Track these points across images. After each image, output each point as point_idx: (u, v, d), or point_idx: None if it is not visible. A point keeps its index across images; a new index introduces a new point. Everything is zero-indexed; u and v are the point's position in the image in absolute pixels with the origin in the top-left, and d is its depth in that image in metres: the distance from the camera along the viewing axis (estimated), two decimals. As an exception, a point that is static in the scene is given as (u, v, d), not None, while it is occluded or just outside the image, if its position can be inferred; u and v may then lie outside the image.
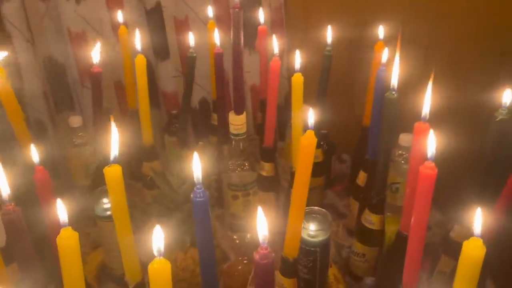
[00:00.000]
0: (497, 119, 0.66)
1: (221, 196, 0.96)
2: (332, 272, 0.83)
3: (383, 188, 0.79)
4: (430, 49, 1.18)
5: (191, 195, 0.49)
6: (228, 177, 0.89)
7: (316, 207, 0.76)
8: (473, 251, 0.43)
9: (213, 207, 1.04)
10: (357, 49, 1.06)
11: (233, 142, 0.87)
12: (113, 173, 0.54)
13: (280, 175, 1.02)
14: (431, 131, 0.55)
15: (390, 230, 0.79)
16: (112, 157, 0.53)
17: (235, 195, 0.90)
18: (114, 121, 0.53)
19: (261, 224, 0.43)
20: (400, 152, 0.96)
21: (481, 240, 0.43)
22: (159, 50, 1.21)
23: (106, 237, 0.80)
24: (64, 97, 1.22)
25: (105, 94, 1.02)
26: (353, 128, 1.04)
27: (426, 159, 0.55)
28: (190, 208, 0.66)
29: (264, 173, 0.92)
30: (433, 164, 0.55)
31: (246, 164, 0.88)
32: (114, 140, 0.51)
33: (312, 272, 0.75)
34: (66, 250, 0.45)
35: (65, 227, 0.45)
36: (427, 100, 0.63)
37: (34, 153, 0.61)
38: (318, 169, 0.99)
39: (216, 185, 1.00)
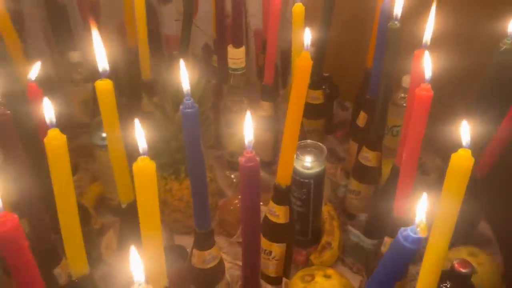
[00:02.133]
0: (501, 49, 0.64)
1: (220, 136, 0.96)
2: (327, 209, 0.83)
3: (382, 125, 0.78)
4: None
5: (180, 108, 0.49)
6: (226, 113, 0.88)
7: (311, 141, 0.76)
8: (462, 161, 0.42)
9: (212, 147, 1.04)
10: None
11: (232, 78, 0.85)
12: (104, 87, 0.54)
13: (281, 119, 1.01)
14: (427, 53, 0.53)
15: (387, 172, 0.79)
16: (101, 69, 0.52)
17: (233, 133, 0.89)
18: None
19: (247, 129, 0.42)
20: (402, 95, 0.95)
21: (469, 151, 0.42)
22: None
23: (103, 166, 0.81)
24: (66, 37, 1.21)
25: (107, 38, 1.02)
26: (358, 74, 1.02)
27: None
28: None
29: (262, 113, 0.91)
30: (429, 86, 0.53)
31: (245, 101, 0.87)
32: (100, 53, 0.50)
33: (306, 204, 0.76)
34: (53, 151, 0.45)
35: (53, 128, 0.45)
36: (429, 27, 0.61)
37: (34, 70, 0.61)
38: (318, 111, 0.98)
39: (216, 126, 1.00)
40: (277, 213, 0.67)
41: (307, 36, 0.57)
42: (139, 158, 0.41)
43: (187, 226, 0.81)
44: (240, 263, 0.76)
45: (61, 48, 1.16)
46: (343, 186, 0.87)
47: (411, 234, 0.34)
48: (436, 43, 0.63)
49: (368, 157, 0.79)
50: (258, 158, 0.42)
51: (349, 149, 0.96)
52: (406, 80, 0.92)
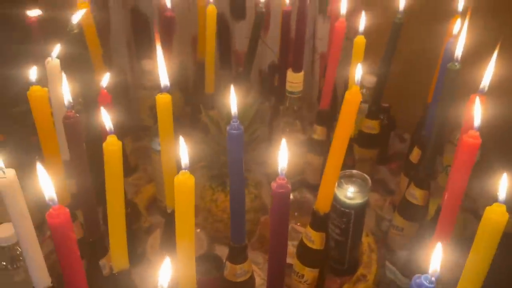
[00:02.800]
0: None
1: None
2: (367, 241, 0.83)
3: (432, 164, 0.76)
4: (502, 17, 1.08)
5: (227, 128, 0.52)
6: (279, 134, 0.91)
7: (357, 171, 0.76)
8: (495, 216, 0.42)
9: (263, 164, 1.07)
10: (428, 19, 1.01)
11: (288, 100, 0.88)
12: (163, 100, 0.59)
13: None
14: (477, 100, 0.52)
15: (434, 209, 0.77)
16: (162, 85, 0.57)
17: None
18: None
19: (282, 156, 0.45)
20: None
21: (504, 206, 0.42)
22: (236, 11, 1.24)
23: (157, 170, 0.86)
24: (145, 46, 1.30)
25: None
26: (419, 108, 1.01)
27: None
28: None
29: (315, 136, 0.93)
30: (477, 134, 0.53)
31: (298, 124, 0.89)
32: (162, 68, 0.54)
33: (345, 233, 0.76)
34: (109, 155, 0.50)
35: (111, 134, 0.50)
36: (489, 72, 0.60)
37: (105, 78, 0.67)
38: (372, 140, 0.98)
39: (269, 143, 1.02)
40: (313, 239, 0.68)
41: (359, 72, 0.58)
42: (181, 172, 0.45)
43: (228, 237, 0.84)
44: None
45: (140, 56, 1.26)
46: (388, 220, 0.86)
47: (424, 282, 0.35)
48: (495, 90, 0.61)
49: (415, 194, 0.78)
50: (289, 186, 0.44)
51: (400, 183, 0.95)
52: (466, 121, 0.90)
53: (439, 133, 0.73)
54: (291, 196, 0.95)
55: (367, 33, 0.77)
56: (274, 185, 0.44)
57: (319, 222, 0.67)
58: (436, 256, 0.36)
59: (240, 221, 0.60)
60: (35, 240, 0.53)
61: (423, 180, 0.77)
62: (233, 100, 0.50)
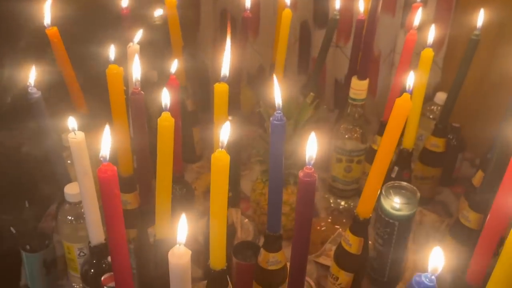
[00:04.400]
0: None
1: (329, 159, 0.99)
2: (413, 258, 0.80)
3: (491, 185, 0.72)
4: None
5: (270, 118, 0.55)
6: (338, 139, 0.92)
7: (407, 183, 0.75)
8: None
9: (319, 168, 1.09)
10: (506, 37, 0.95)
11: (350, 107, 0.89)
12: (220, 89, 0.64)
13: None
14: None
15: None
16: (222, 74, 0.62)
17: (339, 158, 0.92)
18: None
19: (311, 146, 0.47)
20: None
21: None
22: (319, 18, 1.27)
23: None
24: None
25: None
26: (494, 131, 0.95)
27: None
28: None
29: (375, 147, 0.92)
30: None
31: (358, 131, 0.90)
32: (226, 60, 0.59)
33: (387, 244, 0.75)
34: (163, 130, 0.55)
35: (166, 111, 0.55)
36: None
37: (174, 64, 0.74)
38: (435, 159, 0.95)
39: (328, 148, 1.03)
40: (351, 242, 0.68)
41: (410, 78, 0.58)
42: (217, 151, 0.49)
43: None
44: (310, 281, 0.79)
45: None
46: (439, 241, 0.83)
47: (425, 281, 0.35)
48: None
49: (468, 217, 0.75)
50: (316, 175, 0.46)
51: (460, 206, 0.91)
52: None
53: (501, 154, 0.69)
54: (344, 204, 0.96)
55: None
56: (301, 173, 0.46)
57: (358, 226, 0.67)
58: (436, 254, 0.35)
59: (277, 210, 0.62)
60: (94, 197, 0.60)
61: (479, 203, 0.73)
62: (277, 91, 0.53)
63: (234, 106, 0.80)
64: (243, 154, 1.02)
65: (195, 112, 1.06)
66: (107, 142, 0.48)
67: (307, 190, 0.47)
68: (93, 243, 0.63)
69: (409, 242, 0.77)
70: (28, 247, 0.73)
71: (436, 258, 0.35)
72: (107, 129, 0.49)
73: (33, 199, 0.86)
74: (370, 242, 0.80)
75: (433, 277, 0.35)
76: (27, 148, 0.87)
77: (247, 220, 0.90)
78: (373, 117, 1.14)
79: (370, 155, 0.93)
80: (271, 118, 0.55)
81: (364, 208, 0.66)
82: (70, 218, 0.73)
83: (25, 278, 0.77)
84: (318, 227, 0.87)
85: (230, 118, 0.67)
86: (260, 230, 0.88)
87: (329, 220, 0.89)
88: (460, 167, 1.04)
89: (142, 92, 0.60)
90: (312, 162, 0.47)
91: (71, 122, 0.58)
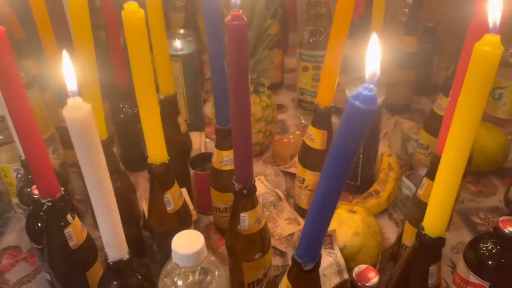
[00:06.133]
0: None
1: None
2: (388, 160, 0.75)
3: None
4: None
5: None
6: (300, 45, 0.85)
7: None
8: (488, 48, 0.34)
9: (288, 87, 1.02)
10: None
11: (311, 6, 0.81)
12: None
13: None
14: None
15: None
16: None
17: (305, 67, 0.85)
18: None
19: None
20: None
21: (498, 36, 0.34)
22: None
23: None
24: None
25: None
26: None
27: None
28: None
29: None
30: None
31: (323, 32, 0.82)
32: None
33: (355, 141, 0.69)
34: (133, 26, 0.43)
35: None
36: None
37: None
38: (409, 60, 0.88)
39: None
40: (313, 137, 0.62)
41: None
42: (128, 2, 0.41)
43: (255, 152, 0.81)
44: (278, 191, 0.73)
45: None
46: (414, 140, 0.77)
47: (363, 91, 0.28)
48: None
49: (443, 105, 0.69)
50: (245, 19, 0.39)
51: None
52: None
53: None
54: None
55: None
56: (228, 18, 0.39)
57: (319, 117, 0.61)
58: (373, 53, 0.29)
59: (224, 100, 0.56)
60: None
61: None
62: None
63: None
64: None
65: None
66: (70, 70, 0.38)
67: (238, 37, 0.39)
68: (23, 158, 0.57)
69: (379, 139, 0.72)
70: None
71: (372, 64, 0.29)
72: (65, 55, 0.37)
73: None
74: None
75: (371, 85, 0.28)
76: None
77: (209, 140, 0.84)
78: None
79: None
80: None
81: (323, 95, 0.60)
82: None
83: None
84: (286, 140, 0.80)
85: None
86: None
87: (298, 133, 0.83)
88: (437, 72, 0.98)
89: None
90: (239, 3, 0.39)
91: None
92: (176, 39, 0.81)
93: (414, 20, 0.85)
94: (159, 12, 0.58)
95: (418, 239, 0.44)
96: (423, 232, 0.43)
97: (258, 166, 0.82)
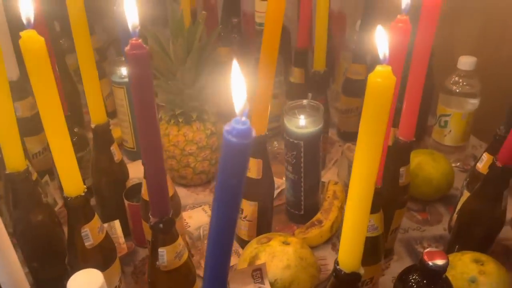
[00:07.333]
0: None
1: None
2: (333, 188, 0.74)
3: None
4: None
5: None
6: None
7: (308, 100, 0.68)
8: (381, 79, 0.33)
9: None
10: None
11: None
12: None
13: (330, 103, 0.90)
14: None
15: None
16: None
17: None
18: None
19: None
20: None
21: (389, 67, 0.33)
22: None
23: (118, 105, 0.83)
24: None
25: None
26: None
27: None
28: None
29: (292, 80, 0.85)
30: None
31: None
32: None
33: (296, 170, 0.68)
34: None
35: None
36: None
37: None
38: (358, 88, 0.88)
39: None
40: (249, 166, 0.61)
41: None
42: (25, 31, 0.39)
43: (182, 177, 0.79)
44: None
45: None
46: (361, 167, 0.76)
47: (236, 126, 0.27)
48: None
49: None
50: (147, 47, 0.38)
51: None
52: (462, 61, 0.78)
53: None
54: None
55: None
56: (127, 48, 0.38)
57: (254, 146, 0.60)
58: (238, 85, 0.28)
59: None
60: None
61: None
62: None
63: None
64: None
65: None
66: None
67: (136, 65, 0.38)
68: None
69: (320, 168, 0.71)
70: None
71: (239, 97, 0.28)
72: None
73: None
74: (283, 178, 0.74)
75: (243, 118, 0.27)
76: None
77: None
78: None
79: (289, 89, 0.86)
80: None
81: (257, 124, 0.59)
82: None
83: None
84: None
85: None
86: (172, 178, 0.80)
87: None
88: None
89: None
90: (137, 30, 0.38)
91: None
92: (121, 67, 0.80)
93: (363, 49, 0.85)
94: (87, 38, 0.56)
95: (334, 274, 0.42)
96: (338, 267, 0.42)
97: (204, 195, 0.80)
